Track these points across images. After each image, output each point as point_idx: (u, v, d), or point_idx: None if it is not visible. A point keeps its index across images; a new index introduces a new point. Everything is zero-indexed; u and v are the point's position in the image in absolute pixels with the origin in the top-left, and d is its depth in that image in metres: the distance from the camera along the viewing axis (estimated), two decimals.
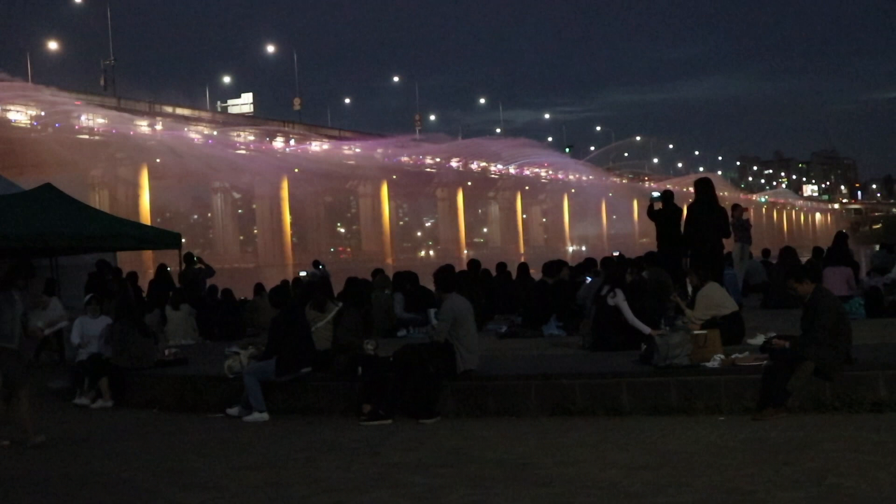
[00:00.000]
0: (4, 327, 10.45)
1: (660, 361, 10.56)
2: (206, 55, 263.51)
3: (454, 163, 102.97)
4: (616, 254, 18.42)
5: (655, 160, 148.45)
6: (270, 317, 12.92)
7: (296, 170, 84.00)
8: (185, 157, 71.73)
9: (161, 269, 20.69)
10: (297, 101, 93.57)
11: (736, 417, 9.66)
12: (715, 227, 15.51)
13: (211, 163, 75.92)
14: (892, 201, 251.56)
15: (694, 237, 15.56)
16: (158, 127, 71.37)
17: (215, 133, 78.07)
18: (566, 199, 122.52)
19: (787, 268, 12.74)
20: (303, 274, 21.61)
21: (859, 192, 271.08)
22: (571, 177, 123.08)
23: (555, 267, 16.70)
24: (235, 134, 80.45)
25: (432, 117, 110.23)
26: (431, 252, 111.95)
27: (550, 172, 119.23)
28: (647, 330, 12.04)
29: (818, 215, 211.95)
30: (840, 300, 11.11)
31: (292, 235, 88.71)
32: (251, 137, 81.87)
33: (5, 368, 10.39)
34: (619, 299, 12.71)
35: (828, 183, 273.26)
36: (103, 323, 13.86)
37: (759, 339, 11.45)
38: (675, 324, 12.06)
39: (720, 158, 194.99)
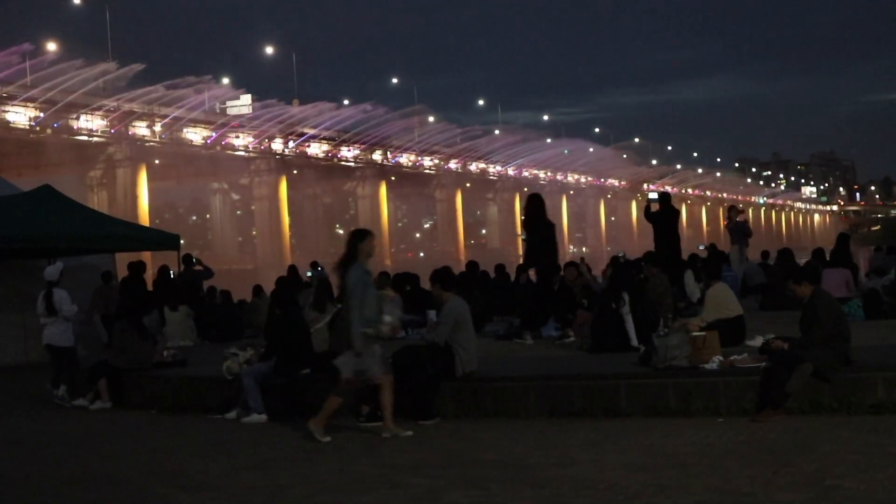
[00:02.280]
0: (368, 309, 9.16)
1: (658, 363, 10.57)
2: (204, 56, 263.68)
3: (453, 164, 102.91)
4: (621, 254, 18.45)
5: (654, 161, 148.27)
6: (267, 318, 12.89)
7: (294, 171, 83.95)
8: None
9: (163, 270, 20.67)
10: (295, 103, 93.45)
11: (734, 419, 9.66)
12: (544, 248, 14.60)
13: None
14: (890, 203, 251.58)
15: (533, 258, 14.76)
16: (157, 128, 71.37)
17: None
18: (565, 201, 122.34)
19: (786, 270, 12.74)
20: (309, 274, 21.55)
21: (858, 194, 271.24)
22: (570, 178, 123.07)
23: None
24: (234, 135, 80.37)
25: (430, 119, 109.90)
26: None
27: (549, 173, 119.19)
28: (635, 342, 12.34)
29: (817, 217, 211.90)
30: (839, 302, 11.12)
31: (291, 237, 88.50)
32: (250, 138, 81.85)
33: (366, 359, 9.24)
34: (624, 305, 12.80)
35: (826, 185, 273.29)
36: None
37: (758, 341, 11.46)
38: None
39: (718, 160, 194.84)
